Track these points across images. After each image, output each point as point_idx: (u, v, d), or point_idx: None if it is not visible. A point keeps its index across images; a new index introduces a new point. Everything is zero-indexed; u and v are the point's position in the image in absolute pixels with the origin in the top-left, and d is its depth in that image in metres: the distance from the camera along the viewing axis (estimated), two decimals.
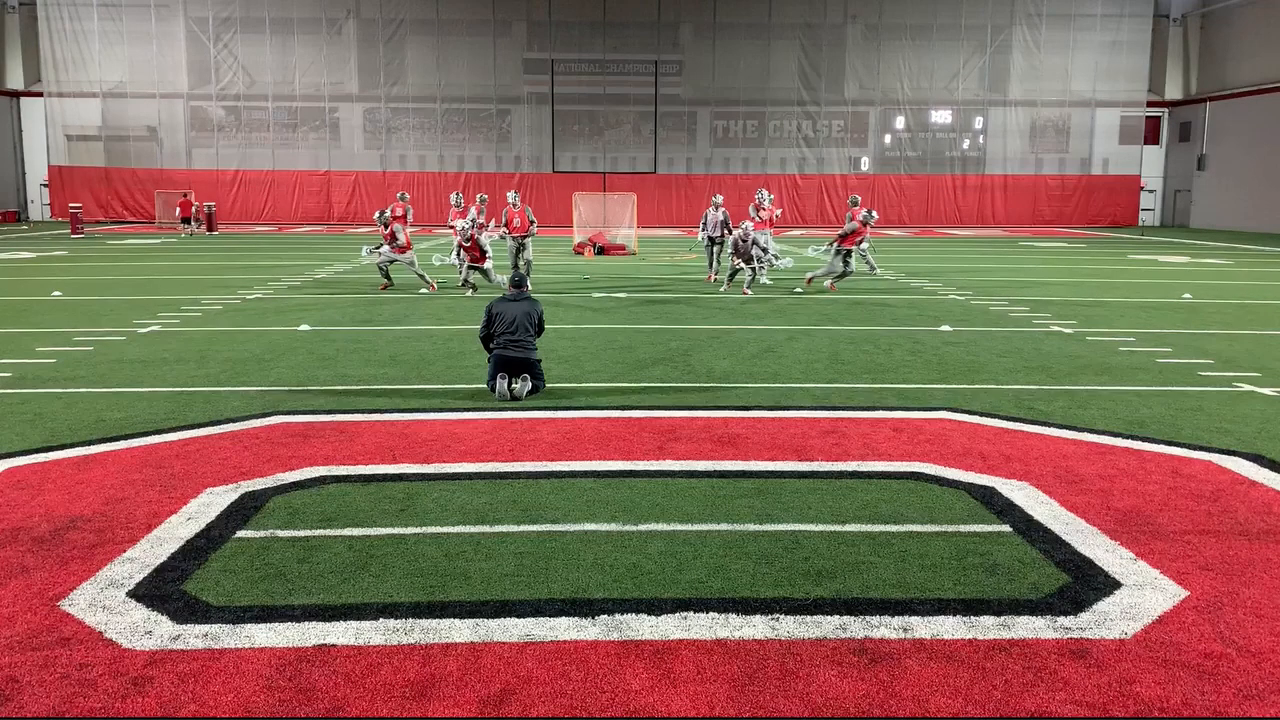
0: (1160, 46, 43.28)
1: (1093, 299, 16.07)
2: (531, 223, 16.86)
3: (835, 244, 16.42)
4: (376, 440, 6.93)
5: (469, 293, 15.78)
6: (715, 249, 18.52)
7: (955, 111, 43.08)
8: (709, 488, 5.90)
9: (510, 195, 17.15)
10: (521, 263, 16.82)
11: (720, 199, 18.91)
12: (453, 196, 19.88)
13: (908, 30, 42.16)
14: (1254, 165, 38.81)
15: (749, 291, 16.30)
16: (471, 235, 15.43)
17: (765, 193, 19.34)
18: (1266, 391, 8.88)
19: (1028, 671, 3.69)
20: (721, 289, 16.88)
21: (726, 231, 18.12)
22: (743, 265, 16.21)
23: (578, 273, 20.23)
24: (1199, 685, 3.60)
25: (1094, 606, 4.28)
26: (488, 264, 15.65)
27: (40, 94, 41.03)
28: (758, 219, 18.26)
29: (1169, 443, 7.02)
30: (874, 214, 16.64)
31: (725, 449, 6.75)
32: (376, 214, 16.71)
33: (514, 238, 16.89)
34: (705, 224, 18.54)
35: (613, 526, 5.20)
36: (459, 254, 15.81)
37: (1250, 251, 28.03)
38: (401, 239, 16.25)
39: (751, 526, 5.23)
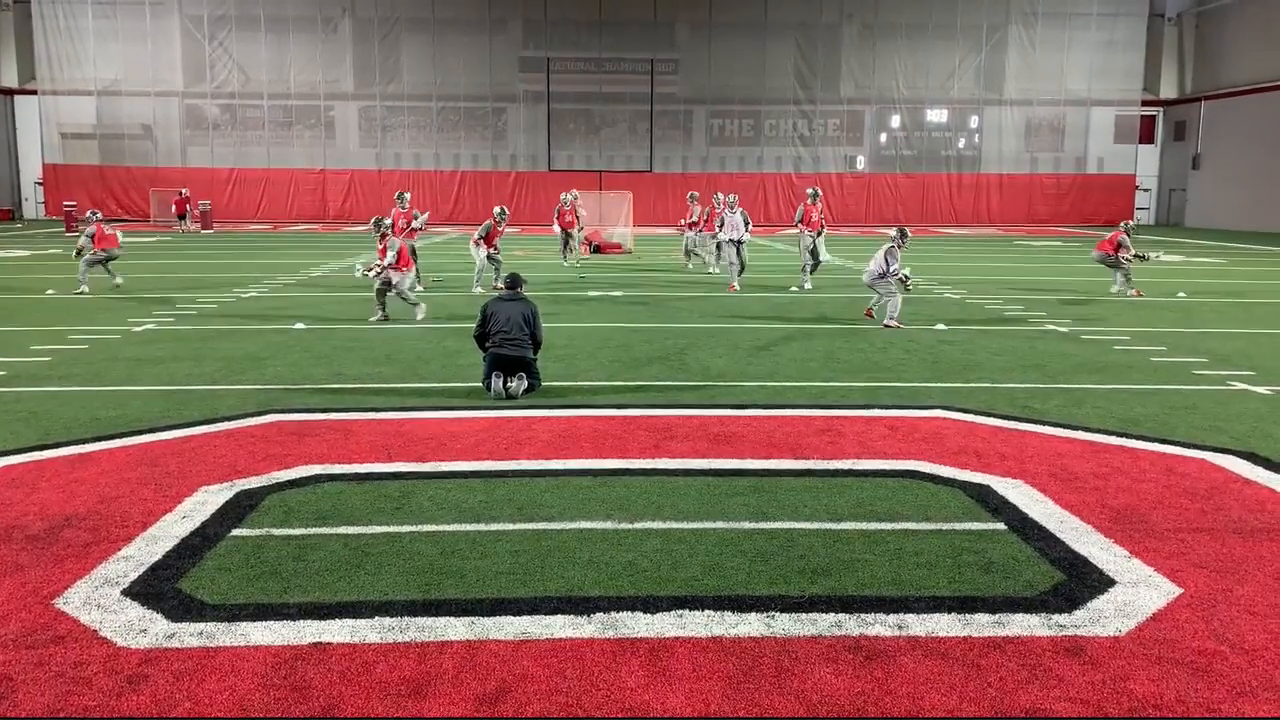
0: (1155, 45, 43.35)
1: (1087, 297, 16.10)
2: (499, 233, 16.00)
3: None
4: (372, 439, 6.92)
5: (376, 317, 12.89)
6: (735, 252, 16.70)
7: (951, 110, 43.13)
8: (704, 486, 5.90)
9: (497, 209, 16.35)
10: (491, 274, 16.01)
11: (736, 198, 17.48)
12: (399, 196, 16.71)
13: (903, 29, 42.19)
14: (1248, 164, 38.89)
15: (898, 323, 12.55)
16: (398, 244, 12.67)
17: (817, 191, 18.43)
18: (1260, 390, 8.91)
19: (1022, 669, 3.70)
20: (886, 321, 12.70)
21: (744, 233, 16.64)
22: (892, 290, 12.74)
23: (574, 271, 20.21)
24: (1193, 682, 3.61)
25: (1088, 604, 4.29)
26: (395, 276, 12.69)
27: (35, 92, 40.90)
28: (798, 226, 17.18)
29: (1163, 441, 7.03)
30: None
31: (721, 447, 6.76)
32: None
33: (493, 255, 16.18)
34: (721, 226, 17.01)
35: (608, 525, 5.20)
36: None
37: (1244, 250, 28.09)
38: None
39: (747, 524, 5.23)
